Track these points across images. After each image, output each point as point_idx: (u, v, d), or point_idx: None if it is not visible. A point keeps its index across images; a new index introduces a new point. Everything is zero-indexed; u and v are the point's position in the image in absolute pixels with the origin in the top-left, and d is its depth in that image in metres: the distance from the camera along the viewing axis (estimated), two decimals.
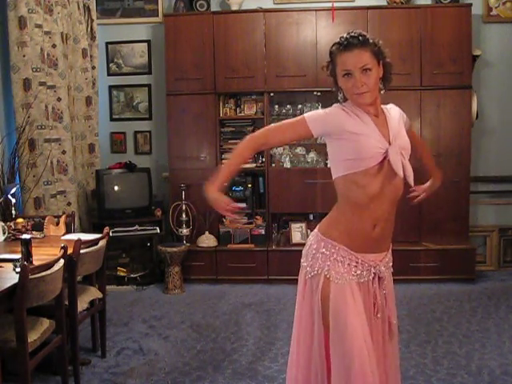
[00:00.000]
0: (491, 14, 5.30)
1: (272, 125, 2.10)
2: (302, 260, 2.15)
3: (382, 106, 2.09)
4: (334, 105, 2.04)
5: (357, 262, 2.02)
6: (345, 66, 1.95)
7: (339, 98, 2.05)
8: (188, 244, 5.09)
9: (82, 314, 3.26)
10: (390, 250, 2.15)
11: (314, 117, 2.00)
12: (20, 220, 3.72)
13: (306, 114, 2.02)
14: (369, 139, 1.93)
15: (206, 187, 1.99)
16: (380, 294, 2.08)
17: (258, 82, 5.10)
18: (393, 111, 2.12)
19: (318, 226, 2.13)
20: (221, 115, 5.25)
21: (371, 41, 1.97)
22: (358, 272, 2.03)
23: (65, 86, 4.63)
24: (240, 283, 5.00)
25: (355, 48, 1.93)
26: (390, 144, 1.96)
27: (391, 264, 2.16)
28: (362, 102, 1.96)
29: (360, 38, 1.94)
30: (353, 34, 1.96)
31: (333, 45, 2.01)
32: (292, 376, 2.18)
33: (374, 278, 2.06)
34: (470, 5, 4.91)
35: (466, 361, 3.31)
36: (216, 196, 1.98)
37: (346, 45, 1.95)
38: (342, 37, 1.98)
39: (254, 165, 5.22)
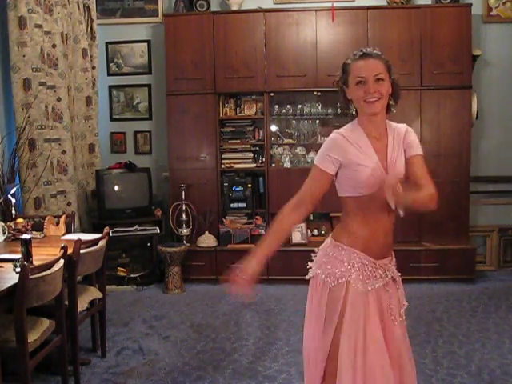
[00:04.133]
0: (491, 14, 5.31)
1: (301, 194, 2.07)
2: (312, 267, 2.14)
3: (392, 124, 2.11)
4: (334, 131, 2.07)
5: (373, 267, 2.06)
6: (359, 72, 1.99)
7: (351, 110, 2.08)
8: (188, 244, 5.09)
9: (82, 313, 3.26)
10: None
11: (322, 158, 2.04)
12: (20, 220, 3.72)
13: (315, 161, 2.07)
14: (366, 170, 1.99)
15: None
16: (396, 295, 2.18)
17: (258, 82, 5.10)
18: (399, 132, 2.10)
19: (331, 234, 2.17)
20: (221, 115, 5.25)
21: (384, 57, 2.04)
22: (376, 275, 2.06)
23: (65, 86, 4.63)
24: None
25: (370, 57, 2.00)
26: (386, 171, 2.01)
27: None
28: (372, 110, 1.99)
29: (375, 51, 2.03)
30: (369, 48, 2.05)
31: (347, 58, 2.07)
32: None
33: (388, 282, 2.13)
34: (470, 5, 4.91)
35: (466, 361, 3.31)
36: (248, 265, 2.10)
37: (361, 55, 2.02)
38: (358, 49, 2.06)
39: (254, 165, 5.22)
